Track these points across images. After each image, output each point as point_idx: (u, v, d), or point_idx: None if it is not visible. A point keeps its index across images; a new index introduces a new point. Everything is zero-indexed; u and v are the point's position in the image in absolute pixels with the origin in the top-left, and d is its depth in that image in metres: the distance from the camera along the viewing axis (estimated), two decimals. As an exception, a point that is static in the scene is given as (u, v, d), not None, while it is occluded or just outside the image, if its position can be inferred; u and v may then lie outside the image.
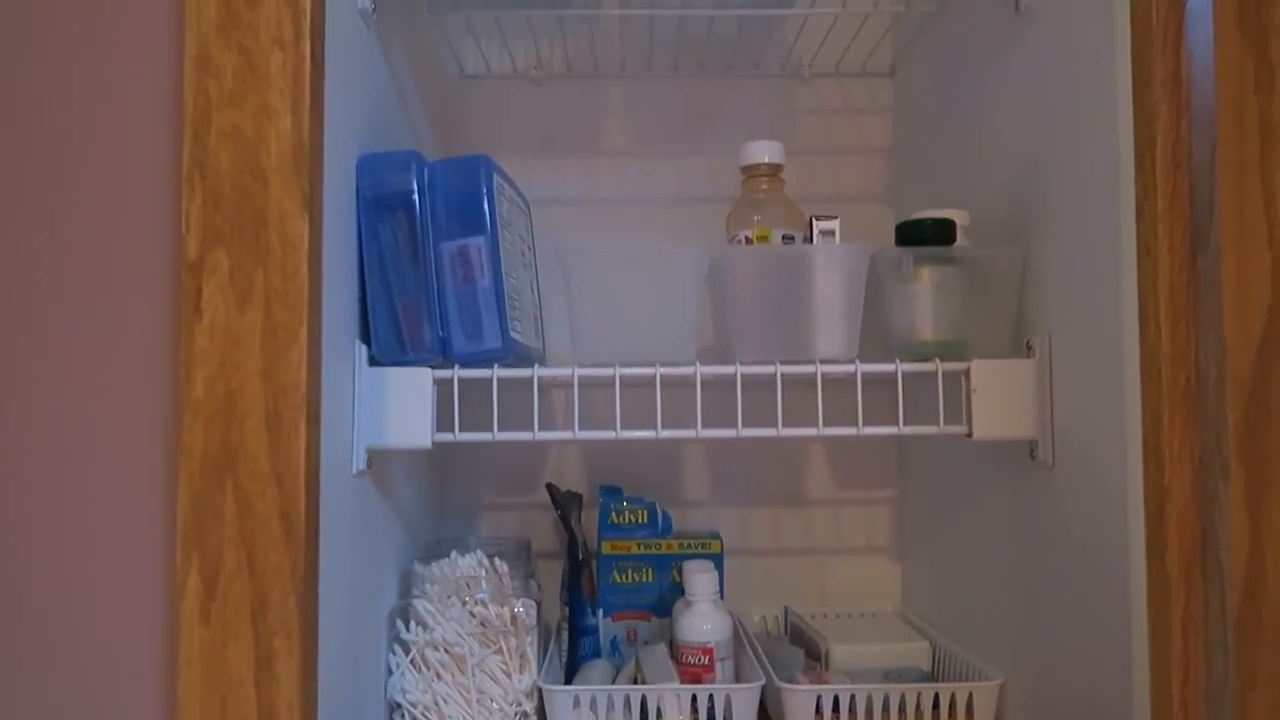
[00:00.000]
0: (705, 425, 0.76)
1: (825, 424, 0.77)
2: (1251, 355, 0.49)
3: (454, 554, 0.87)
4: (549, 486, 1.02)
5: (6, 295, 0.57)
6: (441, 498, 1.09)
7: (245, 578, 0.52)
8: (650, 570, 1.01)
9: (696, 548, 1.01)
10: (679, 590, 0.98)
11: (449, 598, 0.83)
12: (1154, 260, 0.55)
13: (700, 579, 0.91)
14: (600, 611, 1.00)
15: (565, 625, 1.00)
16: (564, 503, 1.01)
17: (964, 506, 0.93)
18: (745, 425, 0.76)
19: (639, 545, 1.01)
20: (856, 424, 0.76)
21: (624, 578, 1.01)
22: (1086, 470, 0.68)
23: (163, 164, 0.55)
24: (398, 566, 0.87)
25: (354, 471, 0.72)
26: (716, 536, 1.01)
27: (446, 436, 0.76)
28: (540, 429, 0.77)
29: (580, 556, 1.00)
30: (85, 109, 0.57)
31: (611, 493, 1.05)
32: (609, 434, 0.77)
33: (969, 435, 0.76)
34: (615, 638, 1.00)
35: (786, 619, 1.08)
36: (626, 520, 1.02)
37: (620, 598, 1.01)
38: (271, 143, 0.53)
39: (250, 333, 0.53)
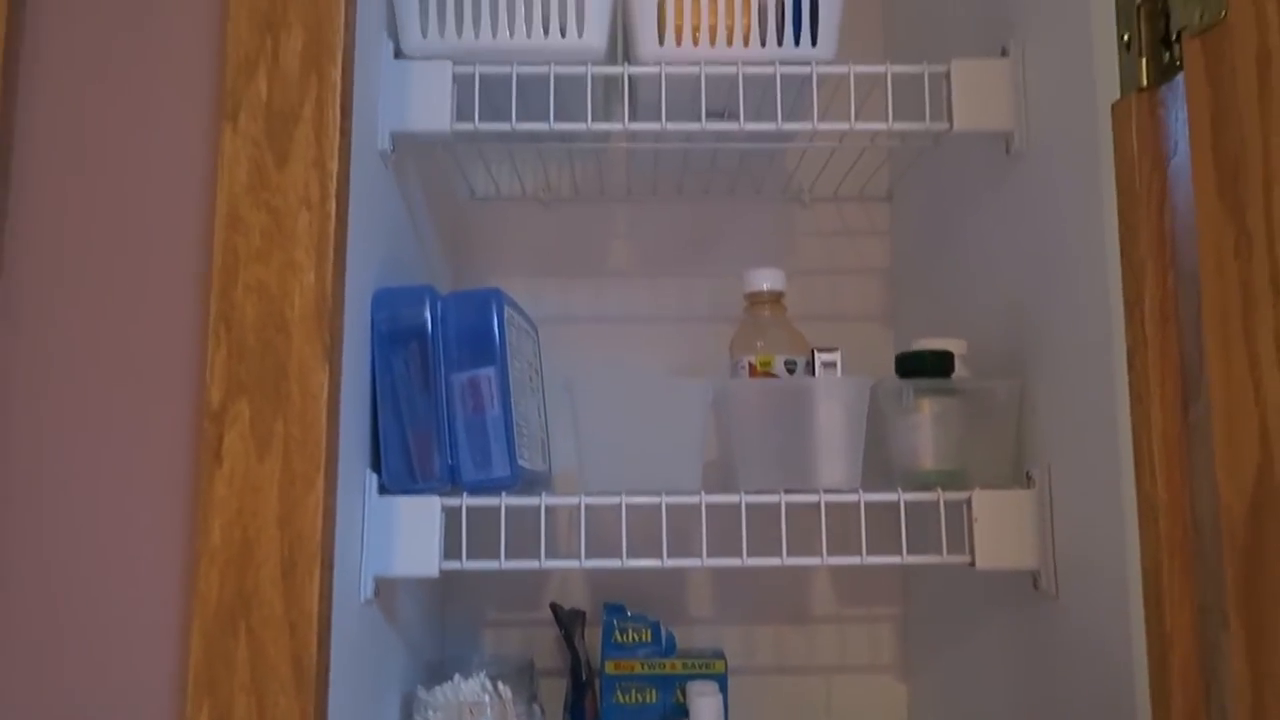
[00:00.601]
0: (711, 546, 0.77)
1: (829, 550, 0.77)
2: (1244, 510, 0.50)
3: (456, 678, 0.87)
4: (553, 606, 1.02)
5: (34, 440, 0.59)
6: (445, 615, 1.09)
7: (256, 726, 0.52)
8: (654, 691, 1.00)
9: (700, 668, 1.00)
10: (683, 710, 0.97)
11: (452, 725, 0.83)
12: (1146, 409, 0.57)
13: (704, 703, 0.91)
14: (603, 734, 0.99)
15: (569, 749, 0.99)
16: (567, 622, 1.01)
17: (968, 630, 0.93)
18: (750, 549, 0.77)
19: (643, 665, 1.00)
20: (860, 552, 0.77)
21: (627, 698, 1.00)
22: (1090, 603, 0.69)
23: (189, 316, 0.57)
24: (400, 690, 0.87)
25: (361, 601, 0.72)
26: (720, 656, 1.01)
27: (454, 565, 0.76)
28: (547, 551, 0.77)
29: (583, 677, 1.00)
30: (119, 262, 0.59)
31: (615, 610, 1.05)
32: (615, 563, 0.78)
33: (972, 565, 0.77)
34: (619, 761, 0.99)
35: (792, 741, 1.06)
36: (630, 639, 1.01)
37: (624, 718, 1.00)
38: (295, 296, 0.56)
39: (269, 481, 0.54)
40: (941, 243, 1.01)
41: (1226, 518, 0.51)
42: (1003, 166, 0.84)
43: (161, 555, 0.56)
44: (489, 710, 0.84)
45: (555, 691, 1.04)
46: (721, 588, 1.12)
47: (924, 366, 0.81)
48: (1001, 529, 0.77)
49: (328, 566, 0.56)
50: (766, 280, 0.92)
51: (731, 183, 1.15)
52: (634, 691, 1.00)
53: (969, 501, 0.77)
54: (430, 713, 0.84)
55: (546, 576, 1.12)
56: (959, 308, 0.96)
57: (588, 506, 0.78)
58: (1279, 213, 0.50)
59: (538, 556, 0.77)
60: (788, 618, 1.11)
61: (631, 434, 0.81)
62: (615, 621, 1.02)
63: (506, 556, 0.77)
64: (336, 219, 0.57)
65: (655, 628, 1.02)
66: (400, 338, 0.78)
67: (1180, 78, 0.57)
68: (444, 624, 1.09)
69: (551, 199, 1.16)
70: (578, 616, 1.04)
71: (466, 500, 0.77)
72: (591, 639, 1.04)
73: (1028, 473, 0.78)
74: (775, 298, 0.92)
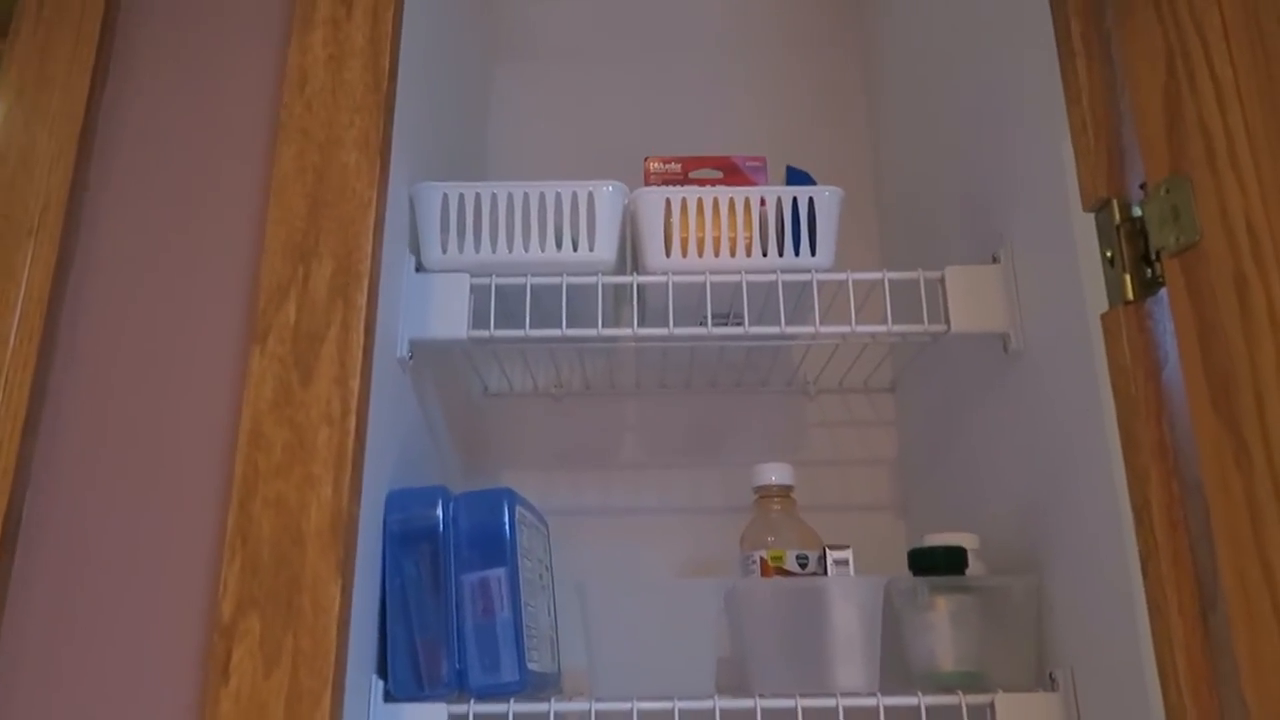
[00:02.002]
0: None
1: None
2: (1274, 725, 0.49)
3: None
4: None
5: (44, 648, 0.59)
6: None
7: None
8: None
9: None
10: None
11: None
12: (1166, 620, 0.56)
13: None
14: None
15: None
16: None
17: None
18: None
19: None
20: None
21: None
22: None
23: (208, 530, 0.58)
24: None
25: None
26: None
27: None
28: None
29: None
30: (144, 476, 0.61)
31: None
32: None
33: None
34: None
35: None
36: None
37: None
38: (312, 511, 0.57)
39: (275, 697, 0.53)
40: (948, 435, 1.02)
41: (1258, 739, 0.49)
42: (1002, 364, 0.86)
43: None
44: None
45: None
46: None
47: (937, 563, 0.81)
48: (1029, 736, 0.74)
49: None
50: (775, 474, 0.93)
51: (738, 376, 1.18)
52: None
53: (992, 705, 0.75)
54: None
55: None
56: (969, 500, 0.96)
57: (598, 714, 0.76)
58: (1274, 425, 0.51)
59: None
60: None
61: (642, 636, 0.80)
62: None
63: (515, 768, 0.74)
64: (356, 434, 0.59)
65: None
66: (412, 539, 0.78)
67: (1164, 292, 0.59)
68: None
69: (563, 394, 1.19)
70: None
71: (474, 707, 0.75)
72: None
73: (1051, 674, 0.76)
74: (785, 492, 0.93)
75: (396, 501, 0.79)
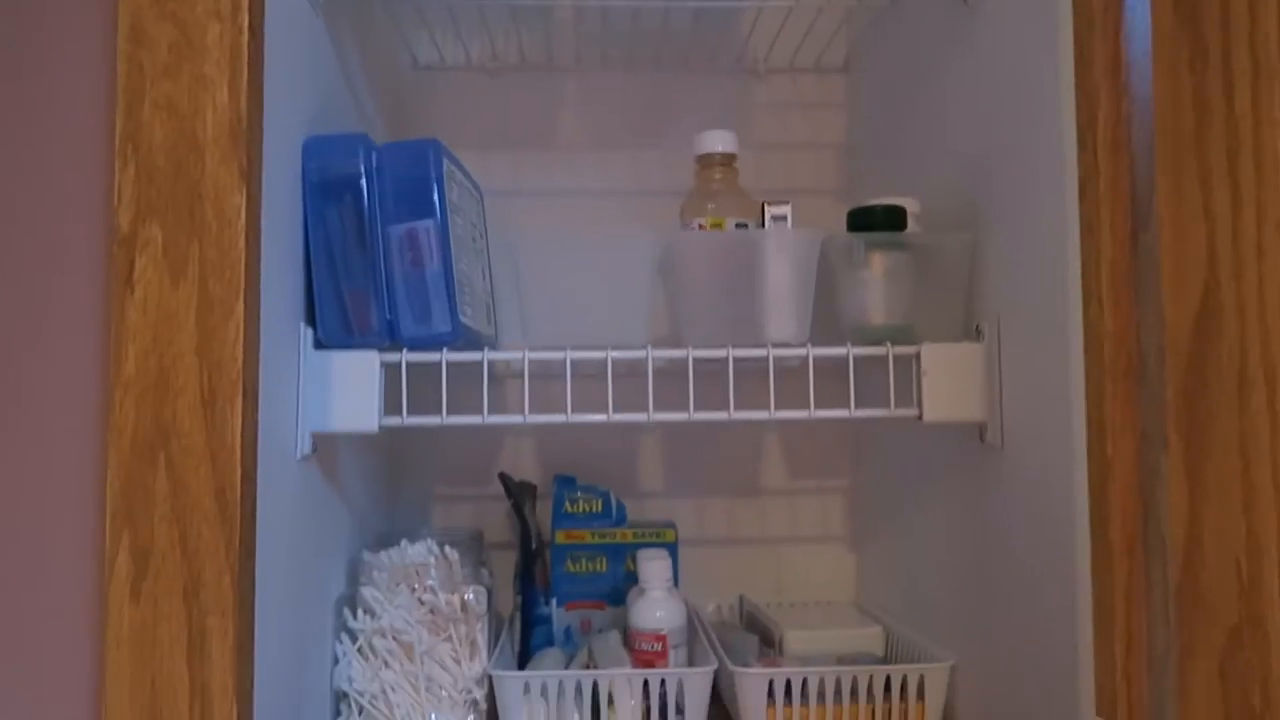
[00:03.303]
0: (658, 405, 0.76)
1: (777, 409, 0.77)
2: (1189, 328, 0.50)
3: (404, 542, 0.86)
4: (502, 476, 1.01)
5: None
6: (393, 489, 1.08)
7: (177, 556, 0.51)
8: (604, 560, 1.00)
9: (651, 537, 1.00)
10: (633, 579, 0.97)
11: (397, 585, 0.82)
12: (1096, 239, 0.56)
13: (653, 566, 0.91)
14: (554, 601, 0.99)
15: (518, 615, 0.99)
16: (517, 492, 1.01)
17: (916, 492, 0.93)
18: (698, 407, 0.76)
19: (593, 535, 1.00)
20: (809, 406, 0.76)
21: (578, 567, 1.00)
22: (1034, 450, 0.69)
23: (94, 137, 0.54)
24: (346, 556, 0.86)
25: (298, 456, 0.71)
26: (671, 526, 1.01)
27: (394, 421, 0.75)
28: (491, 412, 0.76)
29: (533, 546, 0.99)
30: (14, 78, 0.55)
31: (566, 482, 1.04)
32: (560, 418, 0.76)
33: (919, 418, 0.76)
34: (569, 628, 0.99)
35: (742, 608, 1.08)
36: (581, 509, 1.01)
37: (574, 587, 1.00)
38: (208, 114, 0.52)
39: (184, 307, 0.52)
40: (898, 112, 0.99)
41: (1171, 335, 0.50)
42: (961, 20, 0.81)
43: (76, 385, 0.54)
44: (434, 571, 0.83)
45: (505, 564, 1.03)
46: (672, 462, 1.12)
47: (875, 221, 0.80)
48: (950, 383, 0.76)
49: (251, 399, 0.54)
50: (719, 142, 0.90)
51: (684, 51, 1.11)
52: (584, 560, 1.00)
53: (918, 356, 0.77)
54: (375, 573, 0.83)
55: (495, 449, 1.11)
56: (914, 177, 0.94)
57: (532, 362, 0.76)
58: (1235, 22, 0.48)
59: (480, 414, 0.76)
60: (738, 491, 1.12)
61: (577, 291, 0.79)
62: (565, 493, 1.02)
63: (449, 414, 0.75)
64: (250, 33, 0.53)
65: (606, 498, 1.01)
66: (333, 189, 0.74)
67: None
68: (393, 498, 1.08)
69: (498, 68, 1.12)
70: (527, 489, 1.03)
71: (406, 356, 0.75)
72: (542, 513, 1.04)
73: (977, 326, 0.78)
74: (727, 160, 0.90)
75: (314, 149, 0.74)
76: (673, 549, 0.98)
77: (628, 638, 0.90)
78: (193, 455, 0.51)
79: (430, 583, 0.82)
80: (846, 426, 1.12)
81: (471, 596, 0.83)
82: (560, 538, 1.00)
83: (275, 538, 0.61)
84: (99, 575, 0.52)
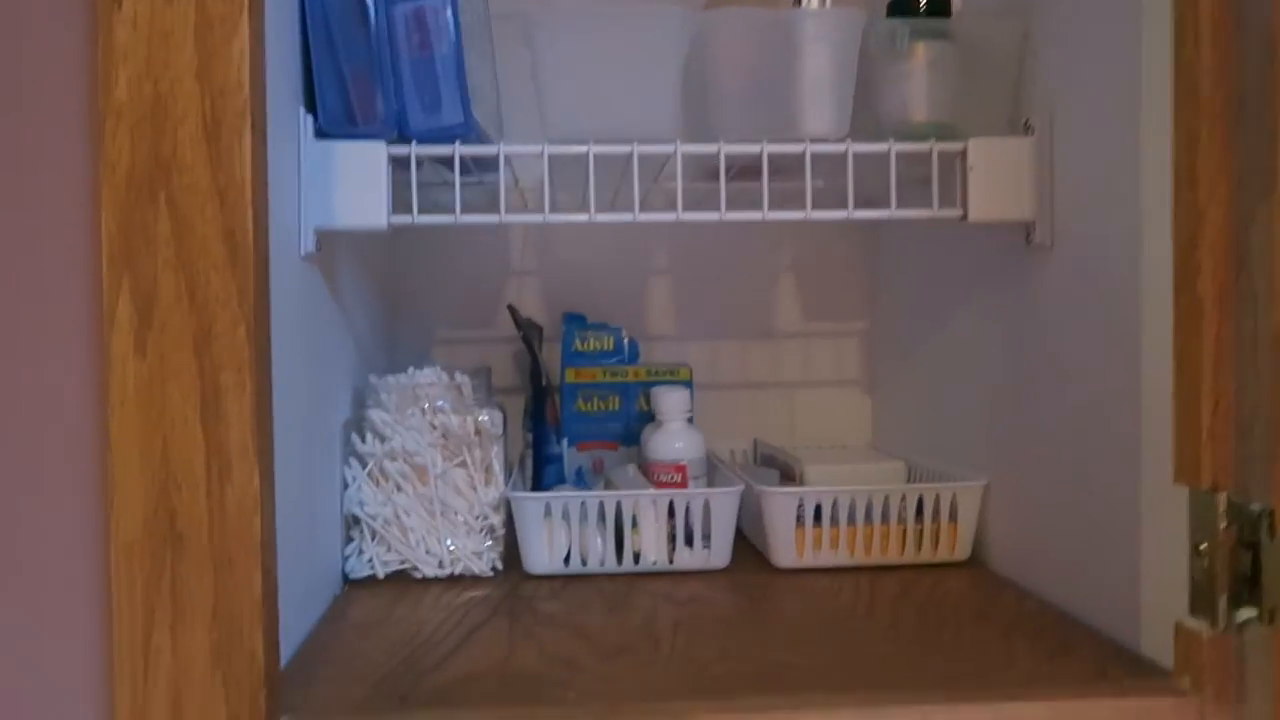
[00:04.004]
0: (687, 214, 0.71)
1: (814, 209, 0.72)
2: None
3: (411, 369, 0.81)
4: (510, 308, 0.96)
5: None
6: (391, 332, 1.03)
7: (185, 305, 0.45)
8: (617, 399, 0.96)
9: (665, 375, 0.96)
10: (647, 419, 0.93)
11: (407, 408, 0.78)
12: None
13: (672, 397, 0.87)
14: (565, 441, 0.95)
15: (529, 455, 0.95)
16: (525, 327, 0.96)
17: (944, 316, 0.89)
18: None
19: (605, 373, 0.96)
20: (847, 205, 0.71)
21: (589, 406, 0.96)
22: (1090, 240, 0.65)
23: None
24: (350, 381, 0.81)
25: (301, 254, 0.65)
26: (685, 365, 0.97)
27: (404, 219, 0.69)
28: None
29: (544, 382, 0.95)
30: None
31: (575, 320, 0.99)
32: (582, 217, 0.71)
33: (963, 218, 0.72)
34: (581, 468, 0.95)
35: (756, 451, 1.04)
36: (592, 347, 0.96)
37: (585, 427, 0.96)
38: None
39: (181, 25, 0.45)
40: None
41: (1277, 69, 0.46)
42: None
43: (64, 115, 0.47)
44: (444, 391, 0.79)
45: (512, 408, 0.99)
46: (684, 303, 1.07)
47: (919, 7, 0.74)
48: (997, 180, 0.72)
49: (259, 133, 0.48)
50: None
51: None
52: (596, 399, 0.96)
53: (964, 152, 0.72)
54: (384, 396, 0.78)
55: (500, 290, 1.05)
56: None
57: (552, 156, 0.70)
58: None
59: (497, 213, 0.70)
60: (752, 334, 1.08)
61: (600, 84, 0.72)
62: (576, 331, 0.97)
63: (463, 215, 0.70)
64: None
65: (617, 335, 0.97)
66: (330, -41, 0.67)
67: None
68: (393, 341, 1.03)
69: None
70: (535, 330, 0.98)
71: (416, 149, 0.69)
72: (550, 356, 0.99)
73: (1026, 122, 0.73)
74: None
75: (308, -87, 0.67)
76: (687, 388, 0.94)
77: (645, 471, 0.86)
78: (197, 193, 0.45)
79: (441, 403, 0.78)
80: (863, 266, 1.08)
81: (486, 419, 0.78)
82: (571, 376, 0.96)
83: (284, 341, 0.55)
84: (98, 329, 0.47)
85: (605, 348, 0.97)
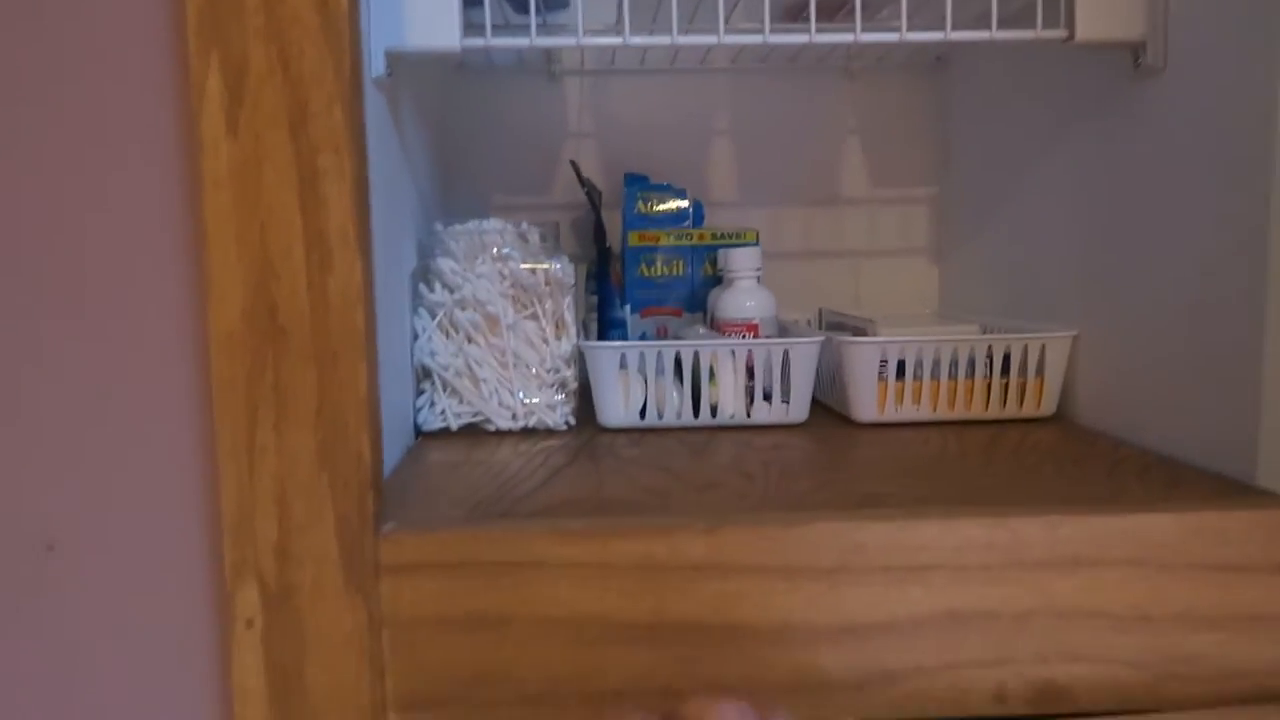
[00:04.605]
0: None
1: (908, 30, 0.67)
2: None
3: (474, 221, 0.78)
4: (572, 163, 0.93)
5: None
6: (449, 192, 0.99)
7: (279, 80, 0.42)
8: (681, 263, 0.93)
9: (731, 238, 0.93)
10: (712, 283, 0.91)
11: (476, 257, 0.75)
12: None
13: (743, 254, 0.84)
14: (628, 308, 0.92)
15: (594, 318, 0.93)
16: (588, 183, 0.92)
17: (1027, 168, 0.85)
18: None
19: (669, 235, 0.93)
20: (944, 27, 0.67)
21: (653, 271, 0.93)
22: (1211, 62, 0.61)
23: None
24: (414, 232, 0.78)
25: (373, 75, 0.61)
26: (752, 229, 0.94)
27: (477, 41, 0.65)
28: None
29: (606, 243, 0.92)
30: None
31: (638, 181, 0.96)
32: (616, 40, 0.66)
33: (1069, 39, 0.67)
34: (644, 335, 0.93)
35: (822, 320, 1.02)
36: (655, 210, 0.93)
37: (649, 293, 0.93)
38: None
39: None
40: None
41: None
42: None
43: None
44: (514, 239, 0.76)
45: (571, 275, 0.96)
46: (747, 168, 1.03)
47: None
48: (1105, -4, 0.67)
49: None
50: None
51: None
52: (660, 264, 0.93)
53: (1071, -34, 0.67)
54: (451, 244, 0.75)
55: (557, 153, 1.01)
56: None
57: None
58: None
59: (575, 35, 0.66)
60: (816, 200, 1.04)
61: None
62: (638, 192, 0.93)
63: (538, 37, 0.66)
64: None
65: (683, 197, 0.93)
66: None
67: None
68: (449, 204, 0.99)
69: None
70: (596, 193, 0.95)
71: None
72: (610, 225, 0.96)
73: (1137, -65, 0.68)
74: None
75: None
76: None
77: (716, 331, 0.83)
78: (287, -41, 0.42)
79: (508, 250, 0.75)
80: (933, 130, 1.03)
81: (558, 268, 0.75)
82: (634, 239, 0.92)
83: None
84: (186, 108, 0.44)
85: (669, 211, 0.93)
